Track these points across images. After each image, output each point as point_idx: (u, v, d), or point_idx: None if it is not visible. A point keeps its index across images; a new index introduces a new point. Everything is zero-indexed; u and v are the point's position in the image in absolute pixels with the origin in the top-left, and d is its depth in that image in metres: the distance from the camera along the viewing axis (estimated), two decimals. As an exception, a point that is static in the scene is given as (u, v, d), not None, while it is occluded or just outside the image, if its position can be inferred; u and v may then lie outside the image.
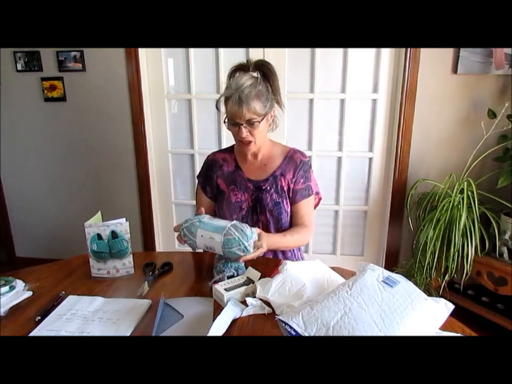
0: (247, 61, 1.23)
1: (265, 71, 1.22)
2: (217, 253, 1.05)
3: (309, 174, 1.32)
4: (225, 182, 1.32)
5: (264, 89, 1.19)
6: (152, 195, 2.51)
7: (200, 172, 1.41)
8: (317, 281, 0.95)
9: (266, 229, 1.29)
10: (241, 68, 1.24)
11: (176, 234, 1.11)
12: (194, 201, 1.47)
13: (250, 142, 1.21)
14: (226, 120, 1.21)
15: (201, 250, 1.10)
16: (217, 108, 1.26)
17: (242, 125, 1.16)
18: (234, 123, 1.18)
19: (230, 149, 1.39)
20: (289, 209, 1.31)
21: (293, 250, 1.38)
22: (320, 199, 1.43)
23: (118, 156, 2.45)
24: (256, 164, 1.32)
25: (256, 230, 1.06)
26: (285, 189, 1.29)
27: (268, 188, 1.28)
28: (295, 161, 1.30)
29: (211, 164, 1.37)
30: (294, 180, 1.29)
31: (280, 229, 1.31)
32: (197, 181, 1.42)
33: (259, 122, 1.18)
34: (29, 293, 0.99)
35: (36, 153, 2.54)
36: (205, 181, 1.37)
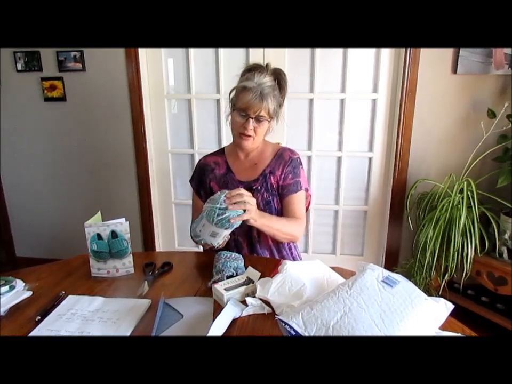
0: (266, 65, 1.26)
1: (280, 80, 1.26)
2: (218, 236, 1.06)
3: (298, 170, 1.31)
4: (218, 185, 1.33)
5: (278, 96, 1.24)
6: (152, 195, 2.51)
7: (192, 177, 1.42)
8: (317, 281, 0.95)
9: (258, 229, 1.29)
10: (258, 68, 1.24)
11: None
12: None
13: (251, 136, 1.22)
14: (234, 109, 1.22)
15: (218, 245, 1.10)
16: (230, 95, 1.26)
17: (252, 118, 1.18)
18: (244, 115, 1.19)
19: (221, 151, 1.40)
20: (279, 208, 1.31)
21: (289, 249, 1.37)
22: (310, 196, 1.42)
23: (118, 155, 2.45)
24: (247, 163, 1.33)
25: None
26: (275, 186, 1.30)
27: (259, 187, 1.29)
28: (284, 158, 1.31)
29: (203, 168, 1.38)
30: (282, 177, 1.29)
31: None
32: (190, 185, 1.43)
33: (267, 121, 1.22)
34: (29, 293, 0.99)
35: (35, 153, 2.54)
36: (199, 186, 1.38)
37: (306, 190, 1.37)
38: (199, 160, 1.42)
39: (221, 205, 1.02)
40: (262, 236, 1.31)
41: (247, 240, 1.32)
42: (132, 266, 1.12)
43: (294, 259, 1.39)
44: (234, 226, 1.06)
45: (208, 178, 1.35)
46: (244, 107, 1.18)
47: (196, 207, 1.40)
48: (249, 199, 1.06)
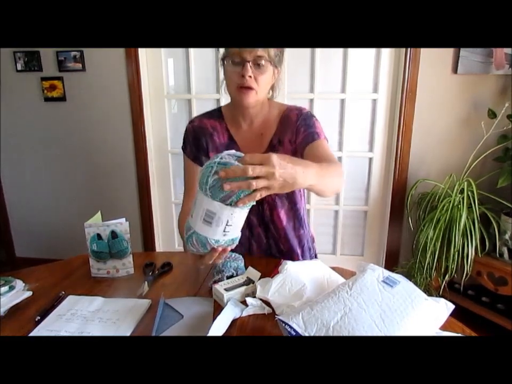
0: None
1: None
2: (221, 222, 0.69)
3: (311, 121, 1.07)
4: None
5: None
6: (152, 195, 2.51)
7: (185, 142, 1.15)
8: (317, 281, 0.95)
9: (275, 211, 1.13)
10: None
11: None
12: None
13: (252, 88, 0.98)
14: (226, 58, 0.99)
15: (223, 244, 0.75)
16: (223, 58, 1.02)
17: (249, 62, 0.95)
18: (239, 61, 0.96)
19: (218, 114, 1.14)
20: None
21: (309, 245, 1.24)
22: None
23: (118, 156, 2.46)
24: (252, 133, 1.11)
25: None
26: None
27: None
28: (291, 119, 1.08)
29: (198, 131, 1.13)
30: (294, 139, 1.07)
31: (291, 210, 1.14)
32: (183, 154, 1.17)
33: (269, 63, 0.97)
34: (29, 293, 0.99)
35: (35, 153, 2.54)
36: (196, 151, 1.13)
37: (326, 139, 1.08)
38: (191, 122, 1.15)
39: (221, 159, 0.66)
40: (275, 214, 1.12)
41: (259, 219, 1.15)
42: (132, 266, 1.12)
43: (309, 247, 1.26)
44: (250, 205, 0.69)
45: (206, 144, 1.11)
46: (237, 51, 0.95)
47: (192, 181, 1.12)
48: (265, 171, 0.63)
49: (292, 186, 0.68)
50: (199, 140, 1.12)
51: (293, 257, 1.19)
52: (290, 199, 1.14)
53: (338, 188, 0.92)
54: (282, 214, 1.14)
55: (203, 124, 1.13)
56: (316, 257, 1.30)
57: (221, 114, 1.14)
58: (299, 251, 1.21)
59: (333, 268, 1.04)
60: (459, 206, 1.85)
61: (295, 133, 1.06)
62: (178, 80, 2.36)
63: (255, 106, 1.05)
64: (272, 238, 1.19)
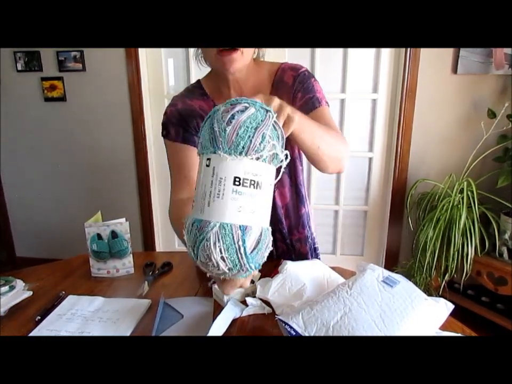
0: None
1: None
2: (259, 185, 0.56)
3: (309, 84, 0.94)
4: None
5: None
6: (152, 195, 2.51)
7: (166, 127, 0.99)
8: (317, 281, 0.95)
9: (279, 189, 1.06)
10: None
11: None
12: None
13: (236, 49, 0.83)
14: None
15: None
16: None
17: None
18: None
19: (201, 91, 0.99)
20: (300, 155, 1.03)
21: (309, 224, 1.22)
22: None
23: (118, 155, 2.46)
24: None
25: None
26: None
27: None
28: (285, 82, 0.95)
29: (185, 114, 0.97)
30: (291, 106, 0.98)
31: (297, 186, 1.08)
32: (165, 142, 1.03)
33: None
34: (29, 293, 0.99)
35: (35, 153, 2.54)
36: (186, 132, 0.97)
37: (327, 103, 0.98)
38: (173, 104, 0.99)
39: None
40: (279, 192, 1.06)
41: None
42: (132, 266, 1.12)
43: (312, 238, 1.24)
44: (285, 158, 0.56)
45: (197, 127, 0.96)
46: None
47: (188, 165, 0.98)
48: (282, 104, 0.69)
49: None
50: (187, 122, 0.97)
51: (291, 233, 1.19)
52: (293, 173, 1.06)
53: (340, 156, 0.88)
54: (286, 191, 1.08)
55: (189, 106, 0.98)
56: (313, 239, 1.29)
57: (203, 91, 0.99)
58: (301, 229, 1.21)
59: (333, 268, 1.04)
60: (459, 206, 1.85)
61: (291, 100, 0.94)
62: (178, 80, 2.36)
63: (241, 70, 0.89)
64: (274, 217, 1.09)
